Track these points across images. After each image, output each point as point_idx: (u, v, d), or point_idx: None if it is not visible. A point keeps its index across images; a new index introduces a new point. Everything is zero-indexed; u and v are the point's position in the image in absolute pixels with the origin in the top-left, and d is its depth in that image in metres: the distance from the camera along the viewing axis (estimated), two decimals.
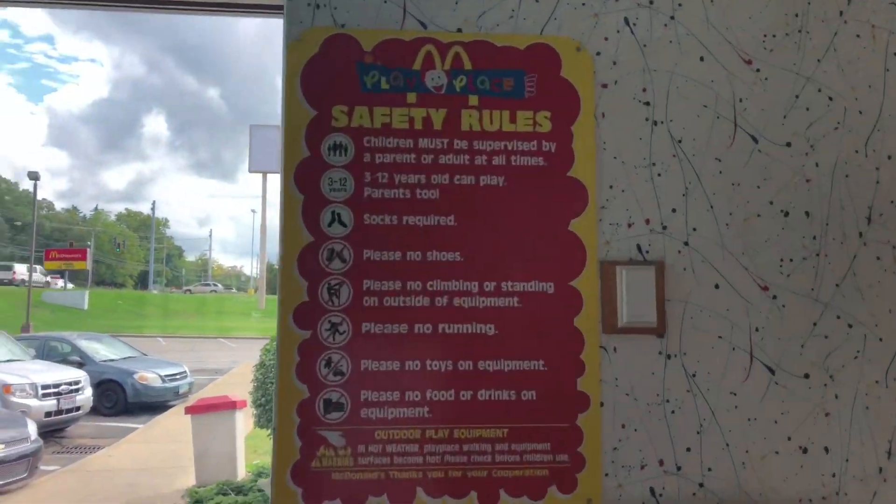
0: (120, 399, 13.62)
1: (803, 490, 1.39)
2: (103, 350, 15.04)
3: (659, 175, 1.43)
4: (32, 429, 8.47)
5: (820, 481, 1.40)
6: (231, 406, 7.92)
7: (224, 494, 6.83)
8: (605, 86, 1.44)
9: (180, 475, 8.21)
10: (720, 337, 1.40)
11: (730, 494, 1.37)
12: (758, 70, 1.47)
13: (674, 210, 1.42)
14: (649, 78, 1.45)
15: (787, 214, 1.45)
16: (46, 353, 14.23)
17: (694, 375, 1.39)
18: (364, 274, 1.35)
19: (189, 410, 8.08)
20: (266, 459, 8.14)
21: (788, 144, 1.47)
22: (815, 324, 1.43)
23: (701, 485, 1.37)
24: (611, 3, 1.46)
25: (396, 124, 1.39)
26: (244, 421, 8.26)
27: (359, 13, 1.41)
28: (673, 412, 1.38)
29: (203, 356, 24.16)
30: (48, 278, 55.78)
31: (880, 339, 1.44)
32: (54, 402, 11.20)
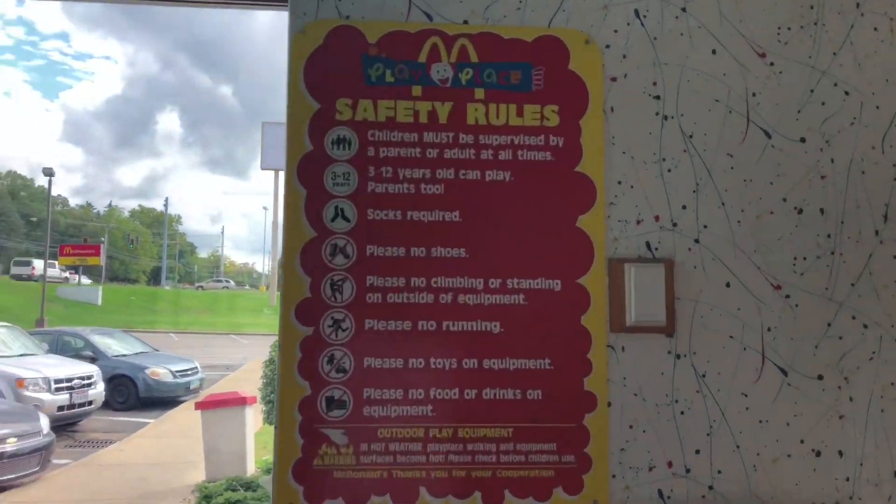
0: (132, 394, 13.71)
1: (816, 494, 1.35)
2: (116, 345, 15.14)
3: (669, 171, 1.40)
4: (45, 423, 8.53)
5: (833, 485, 1.36)
6: (241, 402, 7.94)
7: (233, 490, 6.85)
8: (614, 79, 1.41)
9: (190, 470, 8.24)
10: (731, 337, 1.37)
11: (740, 498, 1.34)
12: (772, 63, 1.44)
13: (684, 207, 1.39)
14: (660, 71, 1.42)
15: (800, 212, 1.41)
16: (60, 347, 14.35)
17: (704, 376, 1.36)
18: (367, 270, 1.33)
19: (199, 406, 8.10)
20: None
21: (803, 140, 1.43)
22: (829, 324, 1.39)
23: (710, 487, 1.34)
24: None
25: (401, 118, 1.37)
26: (254, 417, 8.28)
27: (364, 5, 1.39)
28: (682, 413, 1.35)
29: (214, 352, 24.29)
30: (66, 274, 56.40)
31: None
32: (67, 396, 11.28)
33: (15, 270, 54.26)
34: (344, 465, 1.29)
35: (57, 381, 11.22)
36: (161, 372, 13.90)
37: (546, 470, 1.31)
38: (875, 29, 1.47)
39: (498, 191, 1.37)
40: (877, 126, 1.45)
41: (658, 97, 1.41)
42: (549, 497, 1.30)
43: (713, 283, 1.38)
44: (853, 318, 1.40)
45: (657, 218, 1.38)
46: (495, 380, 1.32)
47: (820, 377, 1.38)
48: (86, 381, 11.84)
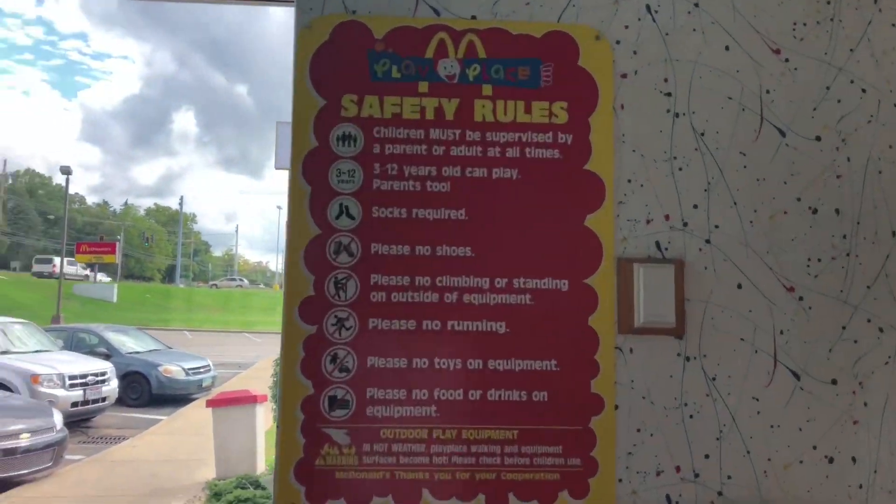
0: (145, 391, 13.81)
1: (828, 501, 1.32)
2: (130, 342, 15.25)
3: (680, 169, 1.37)
4: (58, 418, 8.60)
5: (846, 492, 1.33)
6: (252, 400, 7.96)
7: (243, 488, 6.87)
8: (624, 76, 1.38)
9: (201, 467, 8.27)
10: (742, 339, 1.34)
11: None
12: (786, 60, 1.41)
13: (695, 206, 1.36)
14: (671, 68, 1.39)
15: (815, 212, 1.38)
16: (75, 344, 14.47)
17: (714, 379, 1.33)
18: (372, 268, 1.31)
19: (210, 404, 8.13)
20: None
21: (818, 138, 1.40)
22: (843, 327, 1.36)
23: (720, 493, 1.31)
24: None
25: (407, 114, 1.35)
26: (265, 415, 8.30)
27: None
28: (691, 417, 1.32)
29: (227, 350, 24.42)
30: (87, 272, 57.20)
31: None
32: (81, 392, 11.37)
33: (37, 268, 55.16)
34: (346, 465, 1.27)
35: (71, 378, 11.31)
36: (174, 369, 13.99)
37: (551, 473, 1.29)
38: (893, 25, 1.43)
39: (505, 189, 1.34)
40: (894, 124, 1.41)
41: (669, 94, 1.38)
42: (554, 500, 1.28)
43: (724, 285, 1.35)
44: (868, 321, 1.36)
45: (667, 217, 1.36)
46: (500, 381, 1.30)
47: (834, 381, 1.34)
48: (99, 378, 11.92)
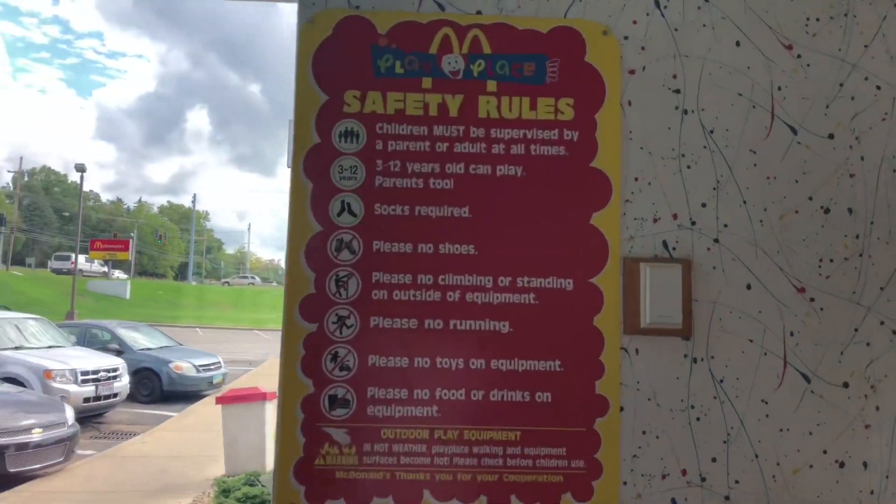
0: (156, 387, 13.88)
1: None
2: (141, 339, 15.34)
3: (688, 167, 1.34)
4: (70, 414, 8.65)
5: (857, 498, 1.30)
6: (261, 397, 7.97)
7: (251, 485, 6.88)
8: (632, 72, 1.36)
9: (211, 464, 8.29)
10: (751, 341, 1.31)
11: None
12: (799, 56, 1.38)
13: (703, 205, 1.33)
14: (680, 64, 1.36)
15: (827, 211, 1.35)
16: (87, 340, 14.56)
17: (722, 381, 1.30)
18: (373, 266, 1.30)
19: (219, 400, 8.16)
20: None
21: (831, 136, 1.36)
22: (856, 329, 1.33)
23: (727, 497, 1.28)
24: None
25: (410, 111, 1.33)
26: (274, 412, 8.30)
27: None
28: (698, 419, 1.29)
29: (238, 347, 24.53)
30: (105, 269, 57.96)
31: None
32: (93, 388, 11.43)
33: (55, 265, 55.98)
34: (346, 465, 1.26)
35: (83, 373, 11.38)
36: (185, 366, 14.06)
37: (554, 475, 1.27)
38: None
39: (509, 186, 1.32)
40: None
41: (678, 91, 1.36)
42: (557, 503, 1.26)
43: (733, 285, 1.32)
44: (882, 323, 1.33)
45: (675, 216, 1.33)
46: (503, 381, 1.28)
47: (845, 385, 1.31)
48: (111, 374, 12.00)
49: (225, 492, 6.78)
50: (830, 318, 1.32)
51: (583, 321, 1.30)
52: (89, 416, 11.43)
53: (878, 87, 1.38)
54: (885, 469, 1.30)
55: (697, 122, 1.35)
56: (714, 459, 1.28)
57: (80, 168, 35.16)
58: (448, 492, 1.26)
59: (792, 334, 1.32)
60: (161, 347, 15.26)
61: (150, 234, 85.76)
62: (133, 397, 13.19)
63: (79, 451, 8.80)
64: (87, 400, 11.26)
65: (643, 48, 1.36)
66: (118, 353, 13.80)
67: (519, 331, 1.29)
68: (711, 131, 1.35)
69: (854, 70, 1.38)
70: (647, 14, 1.37)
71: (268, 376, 13.37)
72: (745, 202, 1.34)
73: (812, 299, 1.33)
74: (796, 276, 1.33)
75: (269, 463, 7.84)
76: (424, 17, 1.35)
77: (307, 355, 1.27)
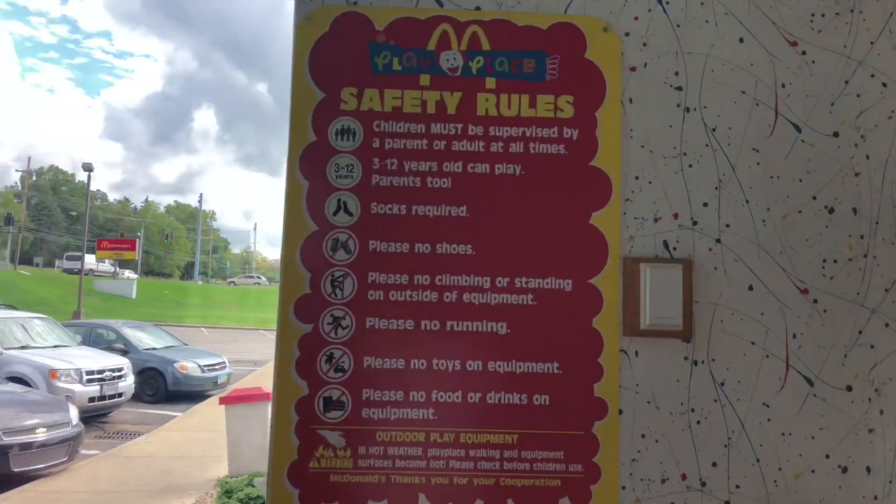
0: (161, 387, 13.90)
1: None
2: (147, 338, 15.37)
3: (690, 166, 1.32)
4: (74, 413, 8.67)
5: None
6: (265, 398, 7.96)
7: (254, 486, 6.87)
8: (633, 69, 1.34)
9: (215, 464, 8.30)
10: (753, 343, 1.29)
11: None
12: (804, 52, 1.35)
13: (705, 204, 1.31)
14: (682, 61, 1.34)
15: (831, 211, 1.32)
16: (93, 340, 14.61)
17: (723, 384, 1.28)
18: (369, 266, 1.28)
19: (223, 401, 8.15)
20: None
21: (836, 134, 1.34)
22: (860, 332, 1.30)
23: (727, 503, 1.26)
24: None
25: (408, 108, 1.31)
26: None
27: None
28: (698, 423, 1.27)
29: (243, 347, 24.57)
30: (116, 268, 58.44)
31: None
32: (98, 387, 11.46)
33: (67, 265, 56.56)
34: (341, 468, 1.24)
35: (88, 373, 11.41)
36: (189, 366, 14.08)
37: (552, 479, 1.24)
38: None
39: (508, 185, 1.30)
40: None
41: (680, 88, 1.34)
42: None
43: (735, 286, 1.30)
44: (886, 325, 1.31)
45: (676, 216, 1.31)
46: (501, 383, 1.26)
47: (849, 388, 1.29)
48: (116, 374, 12.03)
49: (228, 492, 6.78)
50: (834, 320, 1.30)
51: (582, 322, 1.28)
52: (94, 416, 11.46)
53: (885, 85, 1.35)
54: (889, 474, 1.28)
55: (699, 120, 1.33)
56: (714, 464, 1.26)
57: (88, 167, 35.29)
58: (444, 496, 1.24)
59: (794, 336, 1.29)
60: (166, 347, 15.29)
61: (156, 234, 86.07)
62: (138, 397, 13.22)
63: (83, 451, 8.83)
64: (92, 399, 11.29)
65: (644, 45, 1.34)
66: (123, 352, 13.84)
67: (517, 332, 1.27)
68: (714, 129, 1.33)
69: (860, 67, 1.35)
70: (649, 10, 1.35)
71: (272, 377, 13.38)
72: (747, 201, 1.32)
73: (815, 301, 1.30)
74: (799, 277, 1.30)
75: None
76: (423, 12, 1.33)
77: (302, 356, 1.25)
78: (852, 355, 1.29)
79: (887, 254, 1.32)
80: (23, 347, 11.83)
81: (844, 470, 1.27)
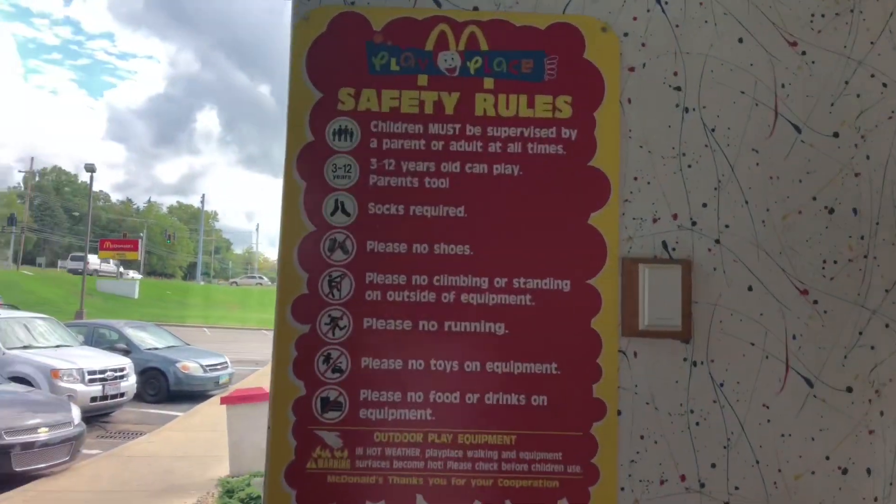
0: (162, 387, 13.91)
1: None
2: (149, 338, 15.38)
3: (689, 166, 1.31)
4: (76, 413, 8.68)
5: None
6: (266, 398, 7.94)
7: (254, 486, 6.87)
8: (632, 69, 1.33)
9: (216, 464, 8.30)
10: (752, 344, 1.28)
11: None
12: (803, 53, 1.35)
13: (704, 205, 1.31)
14: (681, 61, 1.33)
15: (831, 211, 1.32)
16: (95, 340, 14.62)
17: (722, 385, 1.27)
18: (367, 266, 1.27)
19: (224, 401, 8.15)
20: None
21: (836, 135, 1.33)
22: (860, 332, 1.30)
23: None
24: None
25: (406, 108, 1.31)
26: None
27: None
28: (697, 424, 1.26)
29: (245, 347, 24.58)
30: (121, 269, 58.67)
31: None
32: (100, 387, 11.48)
33: (72, 265, 56.88)
34: (338, 469, 1.23)
35: (90, 373, 11.43)
36: (191, 366, 14.09)
37: (550, 480, 1.24)
38: None
39: (506, 185, 1.30)
40: None
41: (679, 88, 1.33)
42: None
43: (734, 287, 1.29)
44: (887, 326, 1.30)
45: (675, 216, 1.30)
46: (499, 384, 1.26)
47: (849, 389, 1.28)
48: (118, 374, 12.04)
49: (229, 492, 6.78)
50: (834, 321, 1.29)
51: (580, 323, 1.27)
52: (96, 416, 11.47)
53: (885, 85, 1.35)
54: (890, 476, 1.27)
55: (699, 121, 1.32)
56: (713, 465, 1.26)
57: (90, 168, 35.34)
58: (442, 497, 1.23)
59: (794, 337, 1.28)
60: (168, 347, 15.30)
61: (159, 234, 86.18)
62: (140, 397, 13.23)
63: (85, 451, 8.84)
64: (94, 399, 11.30)
65: (643, 45, 1.34)
66: (125, 352, 13.85)
67: (515, 333, 1.27)
68: (713, 129, 1.32)
69: (860, 67, 1.35)
70: (648, 10, 1.34)
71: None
72: (747, 202, 1.31)
73: (815, 301, 1.30)
74: (799, 277, 1.30)
75: None
76: (420, 13, 1.32)
77: (299, 357, 1.25)
78: (852, 356, 1.29)
79: (888, 254, 1.31)
80: (25, 347, 11.85)
81: (844, 471, 1.27)
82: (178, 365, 13.96)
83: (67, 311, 31.52)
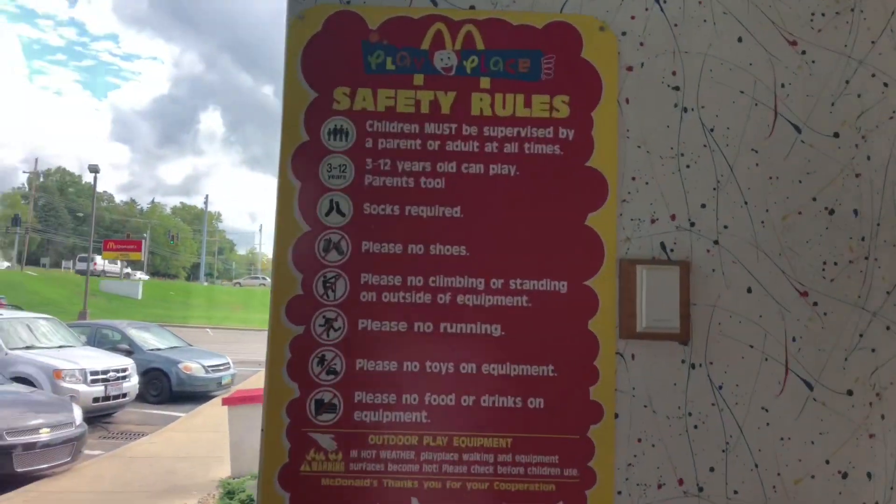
0: (165, 388, 13.92)
1: None
2: (151, 339, 15.39)
3: (687, 167, 1.30)
4: (78, 414, 8.68)
5: None
6: None
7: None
8: (630, 69, 1.32)
9: (217, 465, 8.29)
10: (751, 346, 1.27)
11: None
12: (803, 52, 1.33)
13: (703, 205, 1.29)
14: (680, 60, 1.32)
15: (832, 212, 1.30)
16: (98, 340, 14.64)
17: (720, 388, 1.26)
18: (362, 267, 1.26)
19: (226, 401, 8.15)
20: None
21: (836, 135, 1.32)
22: (861, 335, 1.28)
23: None
24: None
25: (401, 108, 1.30)
26: None
27: None
28: (696, 427, 1.25)
29: (247, 347, 24.58)
30: (128, 269, 58.99)
31: None
32: (102, 388, 11.49)
33: (80, 266, 57.17)
34: (332, 471, 1.22)
35: (93, 373, 11.44)
36: (194, 367, 14.10)
37: (547, 484, 1.23)
38: None
39: (502, 186, 1.29)
40: None
41: (677, 88, 1.32)
42: None
43: (733, 288, 1.28)
44: (887, 328, 1.28)
45: (673, 217, 1.29)
46: (495, 386, 1.25)
47: (849, 392, 1.27)
48: (121, 374, 12.05)
49: (230, 493, 6.77)
50: (834, 323, 1.28)
51: (577, 325, 1.26)
52: (98, 416, 11.48)
53: (886, 85, 1.33)
54: (891, 480, 1.25)
55: (697, 121, 1.31)
56: (712, 469, 1.24)
57: (94, 169, 35.42)
58: (437, 500, 1.22)
59: (794, 339, 1.27)
60: (171, 348, 15.31)
61: (162, 235, 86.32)
62: (142, 397, 13.24)
63: (87, 452, 8.84)
64: (96, 400, 11.32)
65: (642, 44, 1.33)
66: (128, 353, 13.86)
67: (511, 334, 1.26)
68: (712, 129, 1.31)
69: (860, 66, 1.33)
70: (646, 9, 1.33)
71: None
72: (746, 203, 1.30)
73: (815, 303, 1.28)
74: (799, 279, 1.28)
75: None
76: (416, 12, 1.31)
77: (293, 358, 1.24)
78: (853, 359, 1.27)
79: (888, 256, 1.30)
80: (28, 347, 11.87)
81: (845, 476, 1.25)
82: (180, 366, 13.97)
83: (71, 311, 31.60)
